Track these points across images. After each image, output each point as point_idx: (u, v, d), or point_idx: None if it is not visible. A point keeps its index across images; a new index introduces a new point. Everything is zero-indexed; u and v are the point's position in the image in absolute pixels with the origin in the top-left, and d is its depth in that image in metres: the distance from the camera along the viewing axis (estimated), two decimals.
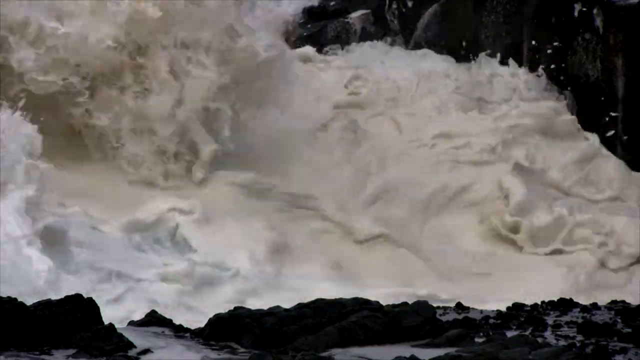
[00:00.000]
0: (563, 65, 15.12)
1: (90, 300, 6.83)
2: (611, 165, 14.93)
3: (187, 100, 13.84)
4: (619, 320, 7.62)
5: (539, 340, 6.67)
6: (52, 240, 11.42)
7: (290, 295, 11.24)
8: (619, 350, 6.45)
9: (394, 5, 16.63)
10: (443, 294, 12.40)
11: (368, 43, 16.84)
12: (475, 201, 14.58)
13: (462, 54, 15.93)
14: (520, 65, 15.46)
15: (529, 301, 8.90)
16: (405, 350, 6.36)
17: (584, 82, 14.94)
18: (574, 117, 15.16)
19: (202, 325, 7.15)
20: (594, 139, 15.07)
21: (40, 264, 10.88)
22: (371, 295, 8.61)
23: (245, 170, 13.99)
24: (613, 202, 14.66)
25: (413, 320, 6.83)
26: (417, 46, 16.33)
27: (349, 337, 6.60)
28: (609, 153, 14.93)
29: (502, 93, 15.65)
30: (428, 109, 15.53)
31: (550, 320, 7.72)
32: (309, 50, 16.67)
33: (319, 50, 16.69)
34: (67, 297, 6.76)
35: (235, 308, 7.17)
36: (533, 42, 15.31)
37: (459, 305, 8.66)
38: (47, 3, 13.90)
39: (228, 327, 6.88)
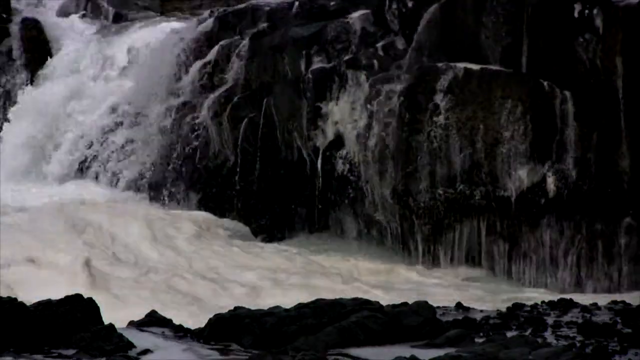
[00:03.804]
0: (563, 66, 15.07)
1: (90, 300, 6.83)
2: None
3: None
4: (619, 321, 7.62)
5: (539, 340, 6.67)
6: None
7: None
8: (619, 350, 6.45)
9: (394, 5, 16.59)
10: None
11: None
12: None
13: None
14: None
15: None
16: (405, 350, 6.35)
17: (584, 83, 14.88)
18: None
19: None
20: None
21: None
22: None
23: None
24: None
25: (413, 320, 6.82)
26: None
27: (348, 337, 6.59)
28: None
29: None
30: None
31: (550, 320, 7.72)
32: None
33: None
34: (67, 297, 6.76)
35: (235, 308, 7.16)
36: (533, 43, 15.27)
37: (459, 305, 8.66)
38: None
39: (228, 327, 6.87)
